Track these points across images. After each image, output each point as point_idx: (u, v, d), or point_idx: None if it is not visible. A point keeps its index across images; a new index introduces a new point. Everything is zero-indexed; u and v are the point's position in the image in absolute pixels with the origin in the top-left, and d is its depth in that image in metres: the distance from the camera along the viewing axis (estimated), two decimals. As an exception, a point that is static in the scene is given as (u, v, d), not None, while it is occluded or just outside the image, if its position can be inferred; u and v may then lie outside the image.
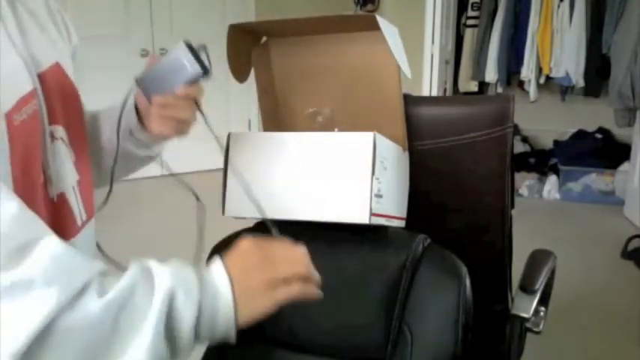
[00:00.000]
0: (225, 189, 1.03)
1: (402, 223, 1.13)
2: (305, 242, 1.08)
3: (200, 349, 1.16)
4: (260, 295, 0.67)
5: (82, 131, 0.88)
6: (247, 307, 0.66)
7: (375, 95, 1.12)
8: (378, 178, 0.95)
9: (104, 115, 0.95)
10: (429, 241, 1.05)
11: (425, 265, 1.02)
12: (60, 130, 0.81)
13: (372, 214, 0.94)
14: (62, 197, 0.80)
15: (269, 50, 1.20)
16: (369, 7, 3.74)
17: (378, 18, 0.98)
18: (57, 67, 0.82)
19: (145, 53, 4.26)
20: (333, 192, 0.96)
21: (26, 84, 0.73)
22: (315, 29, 1.13)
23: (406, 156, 1.16)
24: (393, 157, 1.05)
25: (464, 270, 1.00)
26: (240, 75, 1.12)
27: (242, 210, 1.03)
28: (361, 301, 1.02)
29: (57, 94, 0.80)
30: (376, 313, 1.01)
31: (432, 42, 3.46)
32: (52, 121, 0.79)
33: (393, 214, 1.06)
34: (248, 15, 4.28)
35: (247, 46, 1.15)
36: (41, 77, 0.77)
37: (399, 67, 1.05)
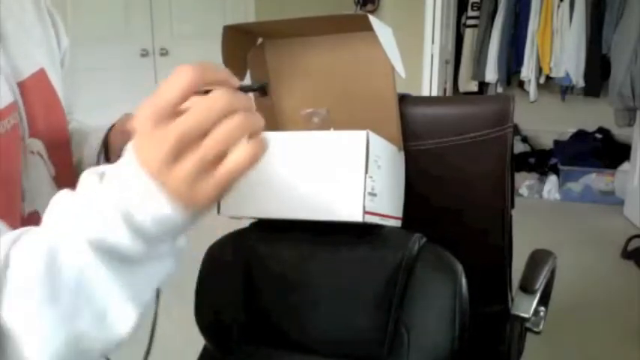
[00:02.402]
0: None
1: (397, 223, 1.13)
2: (301, 242, 1.09)
3: (197, 349, 1.17)
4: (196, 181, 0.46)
5: (65, 144, 0.82)
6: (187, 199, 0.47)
7: (371, 95, 1.12)
8: (371, 177, 0.95)
9: (88, 133, 0.89)
10: (424, 240, 1.05)
11: (421, 264, 1.01)
12: (38, 144, 0.75)
13: (365, 213, 0.94)
14: (34, 216, 0.74)
15: (264, 51, 1.20)
16: (369, 7, 3.73)
17: (371, 18, 0.97)
18: (41, 74, 0.77)
19: (144, 53, 4.26)
20: (327, 190, 0.96)
21: (5, 96, 0.68)
22: (310, 30, 1.13)
23: (402, 155, 1.16)
24: (388, 156, 1.05)
25: (460, 268, 1.00)
26: (235, 76, 1.12)
27: (237, 210, 1.03)
28: (357, 300, 1.02)
29: (38, 104, 0.75)
30: (372, 313, 1.01)
31: (432, 42, 3.46)
32: (32, 133, 0.74)
33: (387, 214, 1.06)
34: (248, 15, 4.28)
35: (243, 47, 1.15)
36: (21, 86, 0.72)
37: (393, 67, 1.05)
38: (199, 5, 4.35)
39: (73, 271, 0.46)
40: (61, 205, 0.49)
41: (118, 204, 0.46)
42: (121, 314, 0.48)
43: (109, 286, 0.47)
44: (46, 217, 0.49)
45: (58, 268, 0.46)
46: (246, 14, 4.28)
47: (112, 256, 0.47)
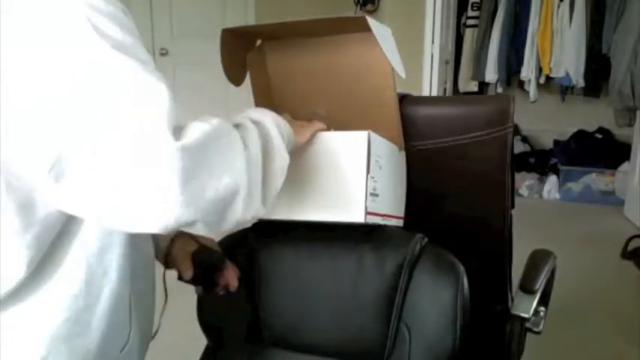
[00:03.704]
0: None
1: (399, 223, 1.13)
2: (303, 243, 1.09)
3: (197, 349, 1.17)
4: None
5: None
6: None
7: (370, 96, 1.12)
8: (373, 177, 0.95)
9: None
10: (426, 240, 1.05)
11: (422, 265, 1.02)
12: None
13: (367, 213, 0.94)
14: None
15: (264, 53, 1.19)
16: (369, 7, 3.73)
17: (369, 19, 0.97)
18: None
19: (144, 53, 4.26)
20: (329, 191, 0.96)
21: None
22: (309, 31, 1.13)
23: (402, 155, 1.16)
24: (389, 156, 1.05)
25: (461, 269, 1.00)
26: (235, 78, 1.12)
27: None
28: (359, 300, 1.02)
29: None
30: (374, 313, 1.01)
31: (432, 42, 3.46)
32: None
33: (389, 214, 1.06)
34: (248, 15, 4.28)
35: (242, 49, 1.15)
36: None
37: (392, 67, 1.05)
38: (199, 5, 4.34)
39: (278, 146, 0.84)
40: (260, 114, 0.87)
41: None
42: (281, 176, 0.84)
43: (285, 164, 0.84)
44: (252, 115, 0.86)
45: (272, 144, 0.83)
46: (246, 14, 4.28)
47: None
